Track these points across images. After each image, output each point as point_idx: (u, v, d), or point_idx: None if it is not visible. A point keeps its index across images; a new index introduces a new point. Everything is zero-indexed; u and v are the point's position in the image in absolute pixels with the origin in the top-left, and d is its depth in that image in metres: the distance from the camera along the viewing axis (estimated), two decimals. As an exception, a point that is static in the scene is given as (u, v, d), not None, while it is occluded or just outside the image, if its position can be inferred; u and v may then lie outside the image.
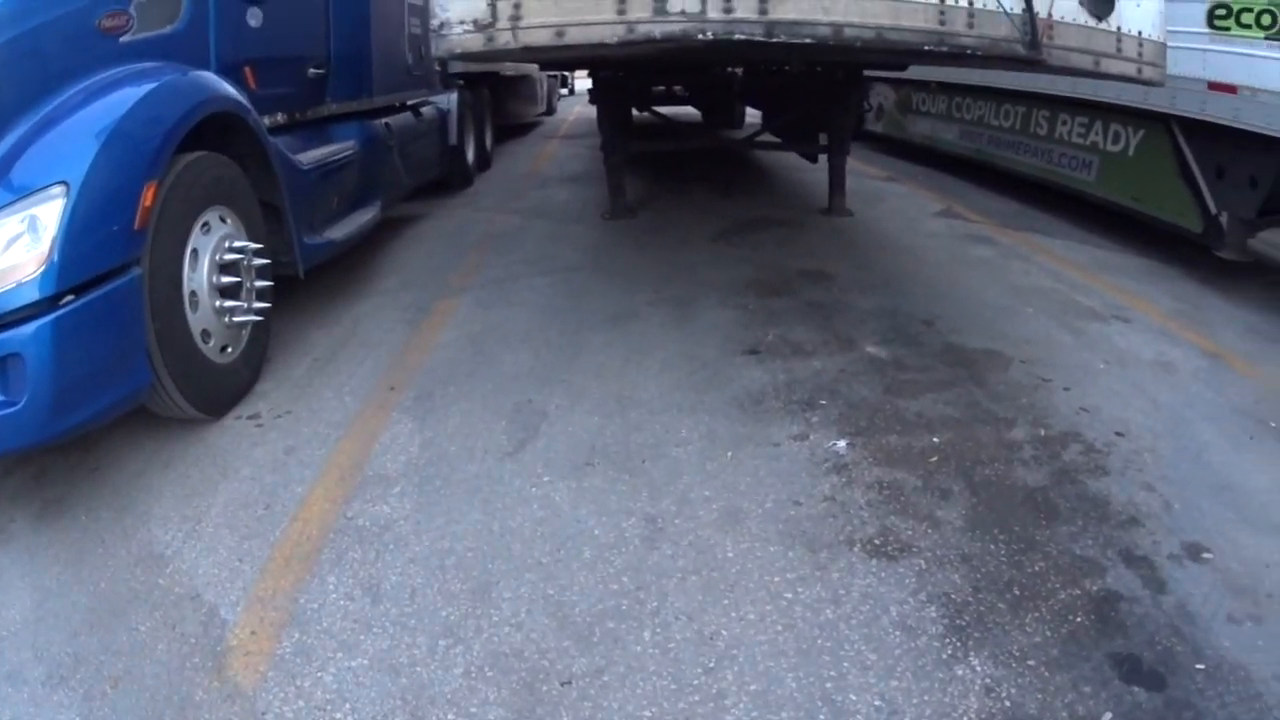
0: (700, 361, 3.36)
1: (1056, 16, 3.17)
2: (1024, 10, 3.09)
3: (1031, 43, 3.11)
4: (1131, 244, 5.42)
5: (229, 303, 3.01)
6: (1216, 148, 4.66)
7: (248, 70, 3.64)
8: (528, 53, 2.98)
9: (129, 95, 2.76)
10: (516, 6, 2.75)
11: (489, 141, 8.88)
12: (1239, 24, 4.49)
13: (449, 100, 6.94)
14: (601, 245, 5.18)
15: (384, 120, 5.08)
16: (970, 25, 3.03)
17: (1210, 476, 2.65)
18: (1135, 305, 4.20)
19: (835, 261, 4.71)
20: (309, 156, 3.96)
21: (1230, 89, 4.46)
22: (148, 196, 2.60)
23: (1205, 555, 2.25)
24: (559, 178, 7.90)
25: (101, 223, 2.45)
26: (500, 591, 2.09)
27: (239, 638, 1.98)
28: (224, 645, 1.96)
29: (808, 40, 2.89)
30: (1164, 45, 3.48)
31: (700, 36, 2.81)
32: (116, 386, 2.52)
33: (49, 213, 2.35)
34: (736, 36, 2.84)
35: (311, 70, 4.22)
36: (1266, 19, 4.35)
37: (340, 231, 4.11)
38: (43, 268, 2.29)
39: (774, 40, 2.86)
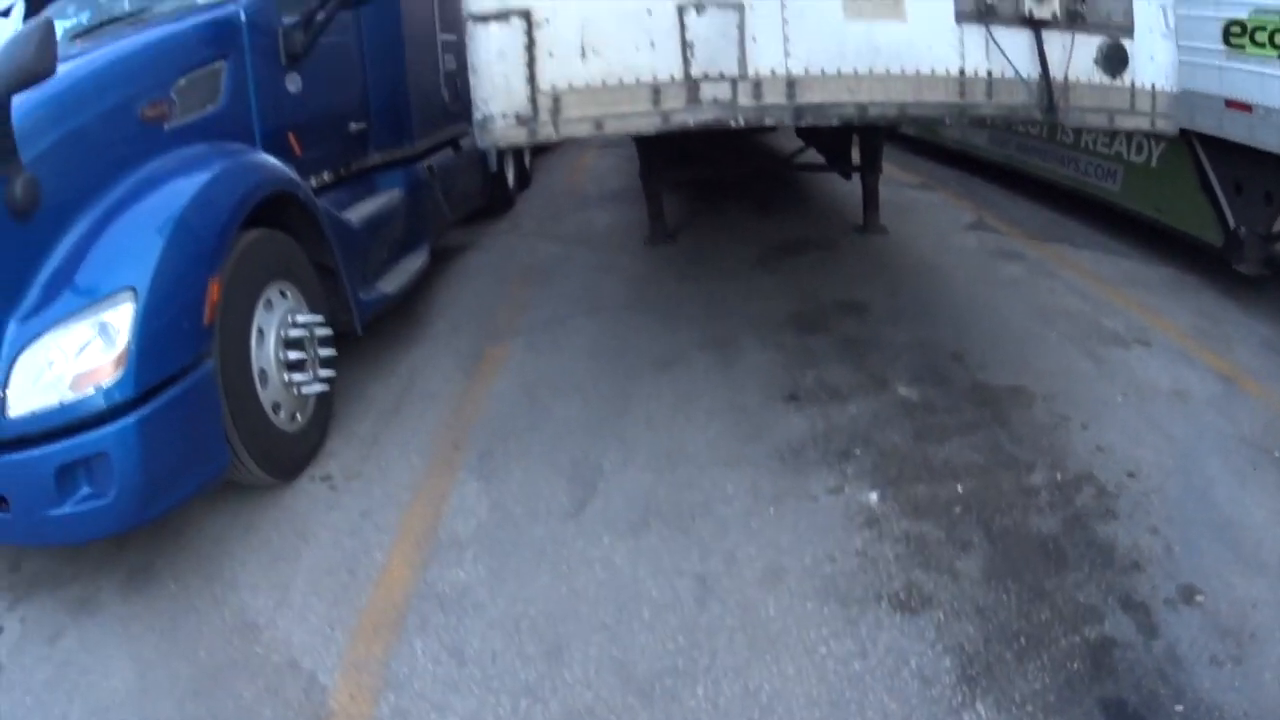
0: (743, 410, 3.62)
1: (1072, 78, 3.32)
2: (1040, 76, 3.25)
3: (1048, 106, 3.28)
4: (1157, 254, 5.54)
5: (297, 376, 3.20)
6: (1235, 163, 4.75)
7: (291, 137, 3.76)
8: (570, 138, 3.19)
9: (183, 189, 2.87)
10: (556, 100, 2.98)
11: (528, 158, 9.00)
12: (1253, 42, 4.55)
13: None
14: (645, 277, 5.41)
15: (427, 162, 5.18)
16: (989, 95, 3.23)
17: (1212, 515, 2.86)
18: (1157, 324, 4.38)
19: (869, 288, 4.92)
20: (358, 213, 4.10)
21: (1246, 107, 4.54)
22: (213, 292, 2.75)
23: (1198, 598, 2.48)
24: (598, 196, 8.13)
25: (172, 324, 2.60)
26: (571, 653, 2.38)
27: (339, 702, 2.22)
28: (326, 710, 2.19)
29: (834, 119, 3.10)
30: (1177, 95, 3.60)
31: (732, 123, 3.04)
32: (198, 472, 2.70)
33: (120, 319, 2.48)
34: (767, 121, 3.07)
35: (353, 125, 4.37)
36: (1279, 38, 4.40)
37: (393, 284, 4.24)
38: (120, 371, 2.45)
39: (804, 121, 3.08)
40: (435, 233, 5.29)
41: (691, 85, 2.98)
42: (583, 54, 2.96)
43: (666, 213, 6.12)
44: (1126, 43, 3.43)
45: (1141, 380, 3.79)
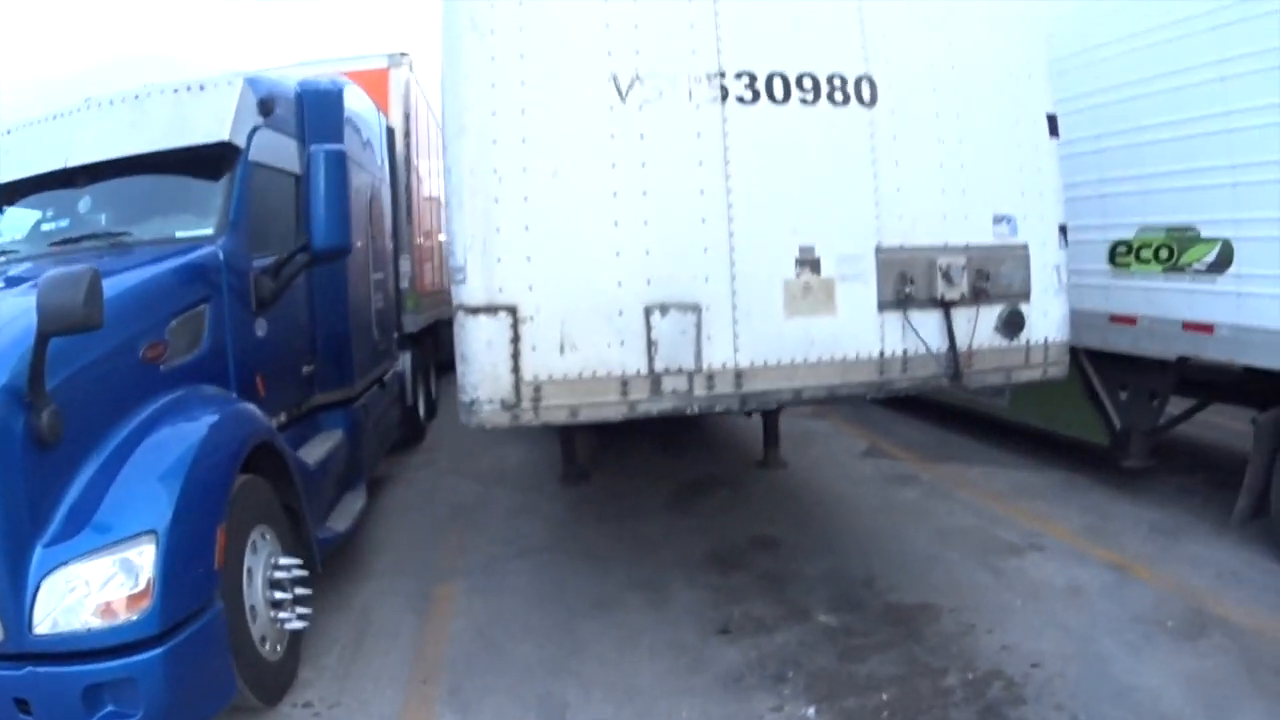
0: (683, 646, 4.00)
1: (976, 346, 3.90)
2: (949, 349, 3.82)
3: (955, 374, 3.84)
4: (1046, 459, 6.22)
5: (282, 614, 3.51)
6: (1118, 370, 5.39)
7: (259, 379, 4.07)
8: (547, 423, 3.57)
9: (189, 437, 3.16)
10: (537, 390, 3.41)
11: (434, 388, 9.35)
12: (1138, 259, 5.22)
13: (403, 362, 7.44)
14: (567, 519, 5.78)
15: (361, 401, 5.54)
16: (904, 370, 3.78)
17: (1112, 685, 3.41)
18: (1049, 529, 5.01)
19: (779, 524, 5.36)
20: (311, 454, 4.42)
21: (1130, 320, 5.21)
22: (221, 538, 3.03)
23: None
24: (507, 431, 8.44)
25: (190, 566, 2.86)
26: None
27: None
28: None
29: (773, 404, 3.60)
30: (1067, 343, 4.20)
31: (688, 411, 3.51)
32: (212, 698, 2.99)
33: (142, 558, 2.73)
34: (717, 408, 3.55)
35: (305, 368, 4.71)
36: (1164, 253, 5.05)
37: (343, 522, 4.55)
38: (146, 606, 2.70)
39: (748, 407, 3.57)
40: (369, 470, 5.63)
41: (655, 378, 3.44)
42: (561, 349, 3.40)
43: (577, 450, 6.40)
44: (1024, 307, 4.03)
45: (1038, 582, 4.39)
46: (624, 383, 3.44)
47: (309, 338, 4.82)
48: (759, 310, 3.53)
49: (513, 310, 3.37)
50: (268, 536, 3.57)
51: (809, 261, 3.59)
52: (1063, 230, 4.13)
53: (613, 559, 4.93)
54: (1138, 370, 5.26)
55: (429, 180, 9.47)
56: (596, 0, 3.51)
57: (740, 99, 3.56)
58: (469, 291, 3.37)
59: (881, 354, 3.72)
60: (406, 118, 8.25)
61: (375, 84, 7.31)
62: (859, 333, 3.68)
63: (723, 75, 3.56)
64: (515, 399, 3.41)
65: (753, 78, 3.58)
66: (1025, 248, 3.99)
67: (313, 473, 4.25)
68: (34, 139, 4.40)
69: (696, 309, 3.47)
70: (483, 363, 3.38)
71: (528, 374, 3.39)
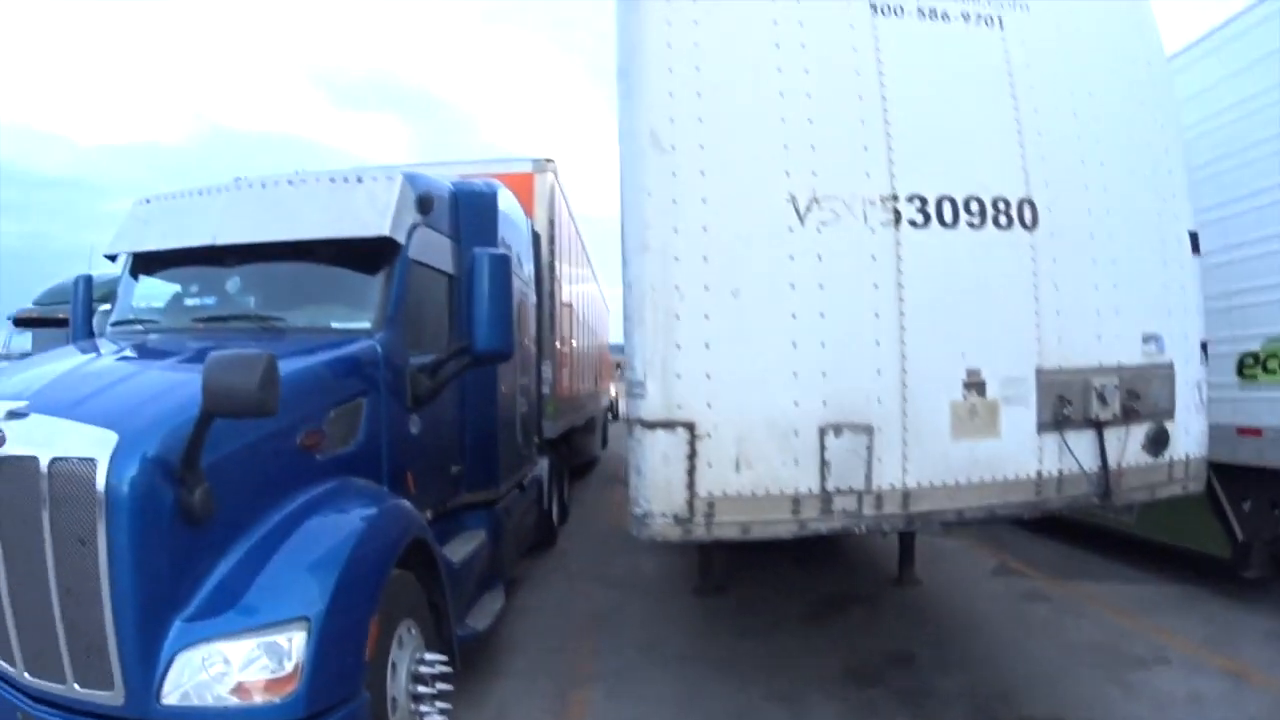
0: None
1: (1125, 464, 3.92)
2: (1100, 468, 3.85)
3: (1105, 493, 3.87)
4: (1165, 572, 6.33)
5: (422, 707, 3.40)
6: (1242, 483, 5.34)
7: (410, 475, 4.04)
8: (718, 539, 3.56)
9: (345, 525, 3.16)
10: (711, 506, 3.42)
11: (566, 493, 9.36)
12: (1265, 370, 5.21)
13: (541, 466, 7.38)
14: (704, 631, 5.66)
15: (503, 504, 5.50)
16: (1059, 490, 3.80)
17: None
18: (1172, 642, 5.04)
19: (915, 640, 5.31)
20: (456, 552, 4.38)
21: (1256, 431, 5.18)
22: (374, 629, 2.99)
23: None
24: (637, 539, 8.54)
25: (340, 656, 2.82)
26: None
27: None
28: None
29: (936, 525, 3.62)
30: (1205, 459, 4.23)
31: (856, 530, 3.53)
32: None
33: (292, 643, 2.69)
34: (884, 528, 3.57)
35: (454, 468, 4.70)
36: None
37: (482, 621, 4.51)
38: (291, 691, 2.65)
39: (913, 528, 3.59)
40: (508, 572, 5.58)
41: (826, 498, 3.46)
42: (737, 466, 3.41)
43: (714, 562, 6.36)
44: (1169, 424, 4.06)
45: (1162, 694, 4.38)
46: (796, 501, 3.45)
47: (459, 438, 4.80)
48: (928, 432, 3.56)
49: (690, 426, 3.39)
50: (413, 631, 3.51)
51: (975, 384, 3.63)
52: (1203, 346, 4.18)
53: (748, 670, 4.85)
54: (1261, 481, 5.25)
55: (569, 286, 9.37)
56: (775, 120, 3.57)
57: (912, 222, 3.61)
58: (648, 406, 3.39)
59: (1039, 474, 3.74)
60: (551, 223, 8.08)
61: (520, 187, 7.07)
62: (1019, 454, 3.70)
63: (895, 198, 3.61)
64: (689, 514, 3.42)
65: (924, 201, 3.64)
66: (1171, 366, 4.03)
67: (457, 570, 4.20)
68: (177, 212, 4.41)
69: (869, 430, 3.49)
70: (658, 477, 3.40)
71: (702, 490, 3.41)
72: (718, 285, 3.43)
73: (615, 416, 21.24)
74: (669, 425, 3.39)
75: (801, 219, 3.51)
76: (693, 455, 3.40)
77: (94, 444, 2.70)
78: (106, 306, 4.74)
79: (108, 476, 2.65)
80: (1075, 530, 7.29)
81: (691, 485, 3.40)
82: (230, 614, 2.75)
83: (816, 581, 6.74)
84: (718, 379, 3.40)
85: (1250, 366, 5.24)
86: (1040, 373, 3.73)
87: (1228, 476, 5.45)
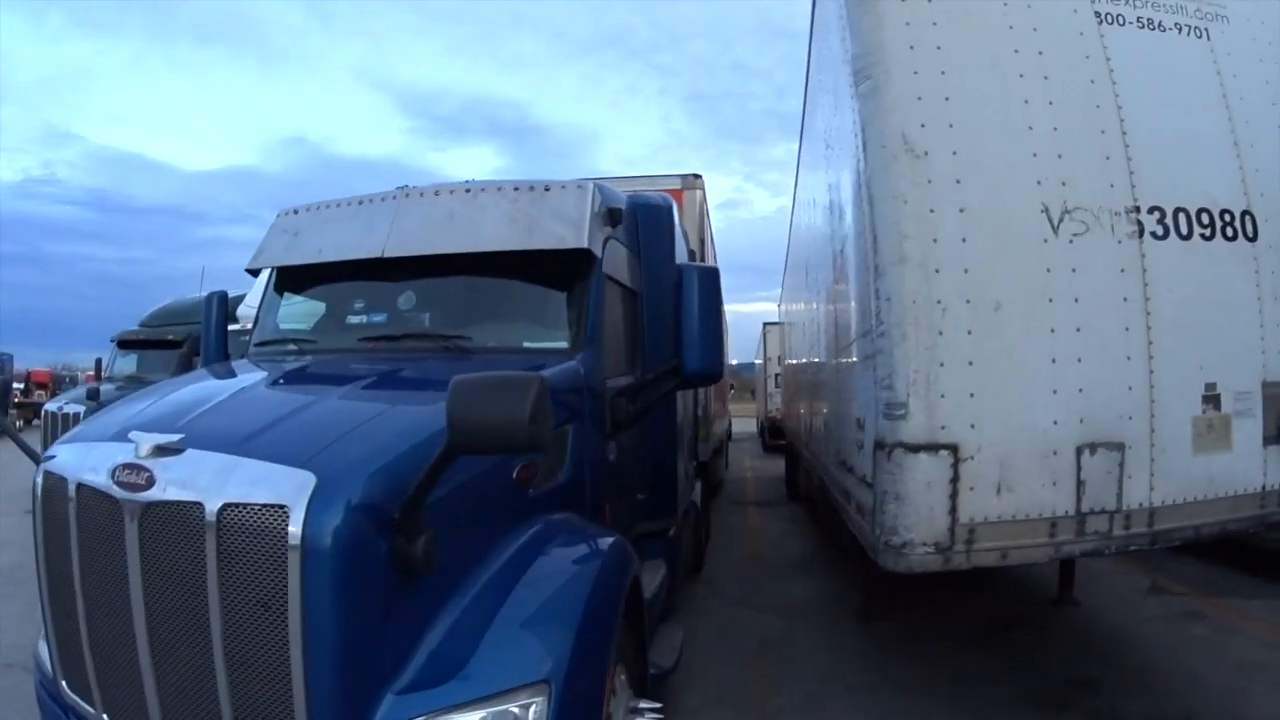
0: None
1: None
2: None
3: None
4: None
5: None
6: None
7: (607, 506, 3.74)
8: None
9: (572, 570, 2.83)
10: (971, 532, 3.29)
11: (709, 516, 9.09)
12: None
13: (697, 492, 7.13)
14: (880, 658, 5.47)
15: (675, 531, 5.22)
16: None
17: None
18: None
19: (1089, 662, 5.26)
20: (648, 588, 3.97)
21: None
22: (611, 684, 2.70)
23: None
24: (784, 564, 8.40)
25: (579, 718, 2.47)
26: None
27: None
28: None
29: (1176, 542, 3.57)
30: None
31: (1105, 552, 3.44)
32: None
33: (529, 712, 2.34)
34: (1131, 548, 3.49)
35: (639, 495, 4.43)
36: None
37: (667, 658, 4.09)
38: None
39: (1154, 546, 3.53)
40: (677, 599, 5.33)
41: (1080, 519, 3.36)
42: (998, 490, 3.28)
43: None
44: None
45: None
46: (1053, 524, 3.35)
47: (643, 464, 4.51)
48: (1172, 448, 3.49)
49: (954, 449, 3.25)
50: (623, 677, 3.22)
51: (1212, 398, 3.58)
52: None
53: (934, 696, 4.72)
54: None
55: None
56: (1023, 128, 3.45)
57: (1154, 234, 3.53)
58: (909, 428, 3.24)
59: (1263, 488, 3.72)
60: (702, 241, 7.75)
61: (671, 204, 6.87)
62: (1248, 467, 3.67)
63: (1138, 210, 3.53)
64: (949, 541, 3.28)
65: (1162, 213, 3.56)
66: (1374, 377, 4.06)
67: (648, 604, 3.88)
68: (331, 222, 4.03)
69: (1120, 448, 3.41)
70: (920, 504, 3.25)
71: (964, 516, 3.27)
72: (979, 299, 3.29)
73: (730, 437, 20.98)
74: (932, 449, 3.24)
75: (1055, 230, 3.40)
76: (955, 480, 3.25)
77: (283, 488, 2.27)
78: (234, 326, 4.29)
79: (305, 527, 2.21)
80: (1216, 549, 7.12)
81: (954, 511, 3.26)
82: (453, 682, 2.36)
83: (973, 603, 6.61)
84: (981, 398, 3.27)
85: None
86: (1266, 385, 3.71)
87: None
